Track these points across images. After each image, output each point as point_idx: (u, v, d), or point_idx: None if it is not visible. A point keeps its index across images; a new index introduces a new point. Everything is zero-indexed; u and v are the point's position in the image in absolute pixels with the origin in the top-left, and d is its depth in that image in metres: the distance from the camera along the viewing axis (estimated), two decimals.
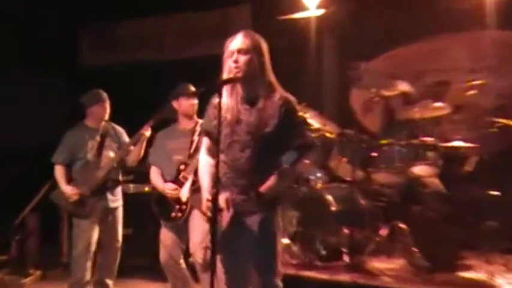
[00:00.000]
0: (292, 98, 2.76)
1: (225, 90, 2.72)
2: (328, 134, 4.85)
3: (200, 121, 3.81)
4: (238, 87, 2.74)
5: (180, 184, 3.91)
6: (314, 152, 4.58)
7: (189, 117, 4.02)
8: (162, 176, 4.00)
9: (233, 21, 6.33)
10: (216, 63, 2.76)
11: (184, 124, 4.04)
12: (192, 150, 3.90)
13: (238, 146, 2.70)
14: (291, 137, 2.67)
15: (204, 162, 2.82)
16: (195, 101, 3.99)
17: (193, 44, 6.65)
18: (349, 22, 5.66)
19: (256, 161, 2.66)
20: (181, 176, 3.89)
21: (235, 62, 2.66)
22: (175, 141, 4.02)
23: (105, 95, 4.31)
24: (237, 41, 2.73)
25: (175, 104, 4.05)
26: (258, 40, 2.75)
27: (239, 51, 2.69)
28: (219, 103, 2.53)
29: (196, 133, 3.92)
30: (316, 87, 5.92)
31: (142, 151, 4.25)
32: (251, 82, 2.70)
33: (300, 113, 2.93)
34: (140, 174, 4.78)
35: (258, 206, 2.61)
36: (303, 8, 5.79)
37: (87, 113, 4.32)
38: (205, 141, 2.87)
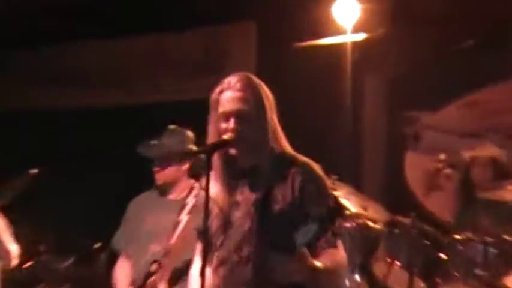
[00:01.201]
0: (314, 164, 2.86)
1: (215, 162, 2.84)
2: (371, 224, 4.76)
3: (196, 185, 4.00)
4: (233, 157, 2.84)
5: None
6: (357, 242, 4.63)
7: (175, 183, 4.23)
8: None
9: (228, 50, 6.49)
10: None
11: (174, 191, 4.23)
12: (173, 239, 3.98)
13: (233, 243, 2.81)
14: (308, 207, 2.73)
15: (196, 278, 2.78)
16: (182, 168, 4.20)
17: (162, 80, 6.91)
18: (403, 52, 5.69)
19: (259, 259, 2.74)
20: (149, 284, 3.94)
21: (233, 131, 2.79)
22: (157, 217, 4.16)
23: None
24: (232, 97, 2.82)
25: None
26: (263, 91, 2.86)
27: (237, 114, 2.80)
28: (207, 179, 2.67)
29: (187, 208, 4.05)
30: (353, 151, 5.96)
31: None
32: (252, 150, 2.82)
33: (328, 185, 2.98)
34: None
35: None
36: (334, 31, 5.86)
37: None
38: (199, 247, 2.94)
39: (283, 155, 2.89)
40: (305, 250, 2.66)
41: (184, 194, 4.16)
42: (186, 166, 4.23)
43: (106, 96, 7.18)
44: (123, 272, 4.15)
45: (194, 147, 4.19)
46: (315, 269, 2.64)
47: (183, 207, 4.09)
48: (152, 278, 3.96)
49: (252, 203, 2.84)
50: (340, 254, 2.83)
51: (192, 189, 4.10)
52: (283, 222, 2.78)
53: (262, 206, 2.81)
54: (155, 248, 4.06)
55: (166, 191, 4.27)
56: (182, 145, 4.23)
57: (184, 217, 4.06)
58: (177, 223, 4.06)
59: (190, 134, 4.30)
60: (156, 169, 4.24)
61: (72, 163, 6.39)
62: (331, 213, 2.74)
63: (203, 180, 2.72)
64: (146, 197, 4.33)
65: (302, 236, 2.65)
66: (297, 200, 2.80)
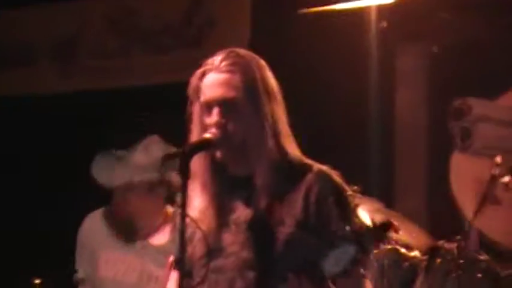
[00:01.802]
0: (330, 172, 2.83)
1: (200, 169, 2.83)
2: (403, 250, 4.61)
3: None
4: (220, 161, 2.85)
5: None
6: (388, 274, 4.55)
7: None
8: None
9: (214, 18, 6.40)
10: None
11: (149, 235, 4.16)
12: None
13: (224, 278, 2.79)
14: (328, 229, 2.73)
15: None
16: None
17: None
18: (449, 19, 5.63)
19: None
20: None
21: (217, 126, 2.75)
22: (117, 259, 4.13)
23: None
24: (215, 81, 2.80)
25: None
26: (260, 73, 2.83)
27: (222, 104, 2.78)
28: (183, 191, 2.65)
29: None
30: (381, 154, 5.87)
31: None
32: (244, 152, 2.81)
33: (349, 197, 2.98)
34: None
35: None
36: None
37: None
38: (174, 277, 2.92)
39: (290, 160, 2.83)
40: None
41: (164, 237, 3.99)
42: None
43: (43, 78, 7.10)
44: None
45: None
46: None
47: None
48: None
49: (250, 223, 2.79)
50: (367, 284, 2.76)
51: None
52: (292, 247, 2.74)
53: (264, 228, 2.77)
54: None
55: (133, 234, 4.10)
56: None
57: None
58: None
59: (165, 145, 4.11)
60: (118, 199, 4.06)
61: None
62: (374, 228, 2.90)
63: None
64: (100, 222, 4.17)
65: (333, 263, 2.57)
66: (312, 216, 2.75)
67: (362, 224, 2.90)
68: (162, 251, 3.99)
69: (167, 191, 4.03)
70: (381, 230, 2.74)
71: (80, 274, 4.17)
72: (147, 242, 4.11)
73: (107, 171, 4.14)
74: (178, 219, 2.72)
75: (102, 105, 6.40)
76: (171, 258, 2.92)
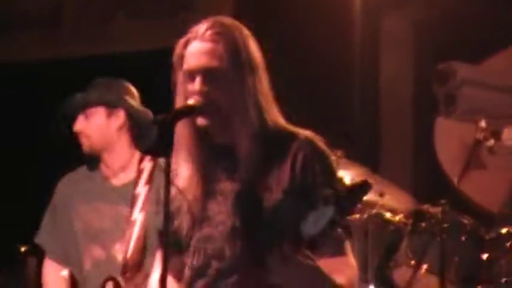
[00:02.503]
0: (316, 139, 2.85)
1: (184, 136, 2.85)
2: (388, 215, 4.66)
3: (148, 162, 4.07)
4: (205, 130, 2.85)
5: None
6: (372, 239, 4.69)
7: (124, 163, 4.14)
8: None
9: None
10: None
11: (115, 174, 4.13)
12: (129, 251, 3.95)
13: (212, 247, 2.81)
14: (317, 188, 2.74)
15: None
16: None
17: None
18: None
19: (248, 269, 2.75)
20: None
21: (200, 93, 2.77)
22: (93, 208, 4.11)
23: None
24: (199, 49, 2.80)
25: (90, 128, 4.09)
26: (243, 42, 2.83)
27: (205, 72, 2.79)
28: (167, 160, 2.61)
29: (140, 201, 4.02)
30: (366, 119, 5.93)
31: None
32: (228, 120, 2.82)
33: (334, 164, 2.98)
34: None
35: None
36: None
37: None
38: (159, 255, 2.97)
39: (274, 129, 2.84)
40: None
41: (131, 175, 4.03)
42: (123, 127, 4.05)
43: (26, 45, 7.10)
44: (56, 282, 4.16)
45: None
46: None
47: (133, 199, 4.02)
48: None
49: (236, 192, 2.81)
50: (350, 263, 2.76)
51: (141, 170, 4.02)
52: (279, 214, 2.73)
53: (250, 196, 2.79)
54: (97, 253, 4.02)
55: (97, 164, 4.11)
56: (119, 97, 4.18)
57: (138, 216, 4.01)
58: (131, 224, 4.01)
59: (132, 88, 4.16)
60: (78, 126, 4.03)
61: None
62: (352, 190, 2.62)
63: (162, 159, 2.66)
64: (78, 177, 4.18)
65: (311, 225, 2.52)
66: (298, 183, 2.77)
67: (343, 187, 2.73)
68: (126, 190, 4.07)
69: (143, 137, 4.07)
70: (361, 191, 2.69)
71: (41, 240, 4.23)
72: (109, 184, 4.14)
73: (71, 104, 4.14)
74: (162, 189, 2.74)
75: (86, 72, 6.50)
76: (158, 227, 2.96)
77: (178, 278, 2.92)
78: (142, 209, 4.04)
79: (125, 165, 4.11)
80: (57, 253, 4.16)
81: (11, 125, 6.38)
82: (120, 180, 4.11)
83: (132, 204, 4.07)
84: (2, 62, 7.07)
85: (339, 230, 2.70)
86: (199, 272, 2.82)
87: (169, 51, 2.85)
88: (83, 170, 4.22)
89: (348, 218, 2.72)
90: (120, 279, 3.98)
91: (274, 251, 2.71)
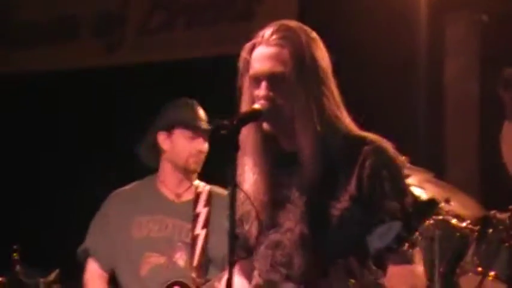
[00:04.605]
0: (385, 145, 2.84)
1: (251, 142, 2.84)
2: (454, 221, 4.71)
3: (204, 187, 4.20)
4: (271, 136, 2.84)
5: None
6: (438, 246, 4.63)
7: (188, 173, 4.20)
8: None
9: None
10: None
11: (175, 188, 4.21)
12: (195, 259, 4.07)
13: (281, 253, 2.80)
14: (379, 204, 2.73)
15: None
16: (205, 145, 4.15)
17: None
18: None
19: (316, 278, 2.73)
20: None
21: (265, 98, 2.76)
22: (155, 220, 4.19)
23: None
24: (264, 54, 2.80)
25: (162, 140, 4.19)
26: (309, 46, 2.81)
27: (270, 77, 2.77)
28: (233, 165, 2.64)
29: (201, 217, 4.15)
30: (431, 124, 5.91)
31: None
32: (294, 127, 2.80)
33: (403, 171, 3.01)
34: None
35: None
36: None
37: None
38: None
39: (342, 134, 2.83)
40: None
41: (188, 195, 4.18)
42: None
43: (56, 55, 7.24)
44: None
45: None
46: None
47: (195, 217, 4.14)
48: None
49: (304, 199, 2.79)
50: (416, 273, 2.74)
51: (199, 193, 4.17)
52: (346, 224, 2.74)
53: (318, 204, 2.77)
54: (156, 260, 4.07)
55: (162, 183, 4.26)
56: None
57: (200, 231, 4.12)
58: (194, 237, 4.13)
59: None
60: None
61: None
62: (420, 207, 2.66)
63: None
64: (137, 192, 4.28)
65: (377, 239, 2.55)
66: (365, 191, 2.76)
67: (412, 201, 2.85)
68: (184, 207, 4.17)
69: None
70: (429, 208, 2.66)
71: (88, 244, 4.26)
72: (171, 201, 4.23)
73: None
74: (231, 193, 2.73)
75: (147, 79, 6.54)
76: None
77: (249, 280, 2.92)
78: (204, 226, 4.15)
79: (182, 185, 4.23)
80: (102, 255, 4.19)
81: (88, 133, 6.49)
82: (179, 199, 4.23)
83: (193, 221, 4.16)
84: (62, 69, 7.18)
85: (407, 246, 2.65)
86: (266, 278, 2.82)
87: (235, 57, 2.88)
88: (137, 186, 4.33)
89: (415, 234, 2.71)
90: (186, 281, 4.04)
91: (340, 262, 2.73)
